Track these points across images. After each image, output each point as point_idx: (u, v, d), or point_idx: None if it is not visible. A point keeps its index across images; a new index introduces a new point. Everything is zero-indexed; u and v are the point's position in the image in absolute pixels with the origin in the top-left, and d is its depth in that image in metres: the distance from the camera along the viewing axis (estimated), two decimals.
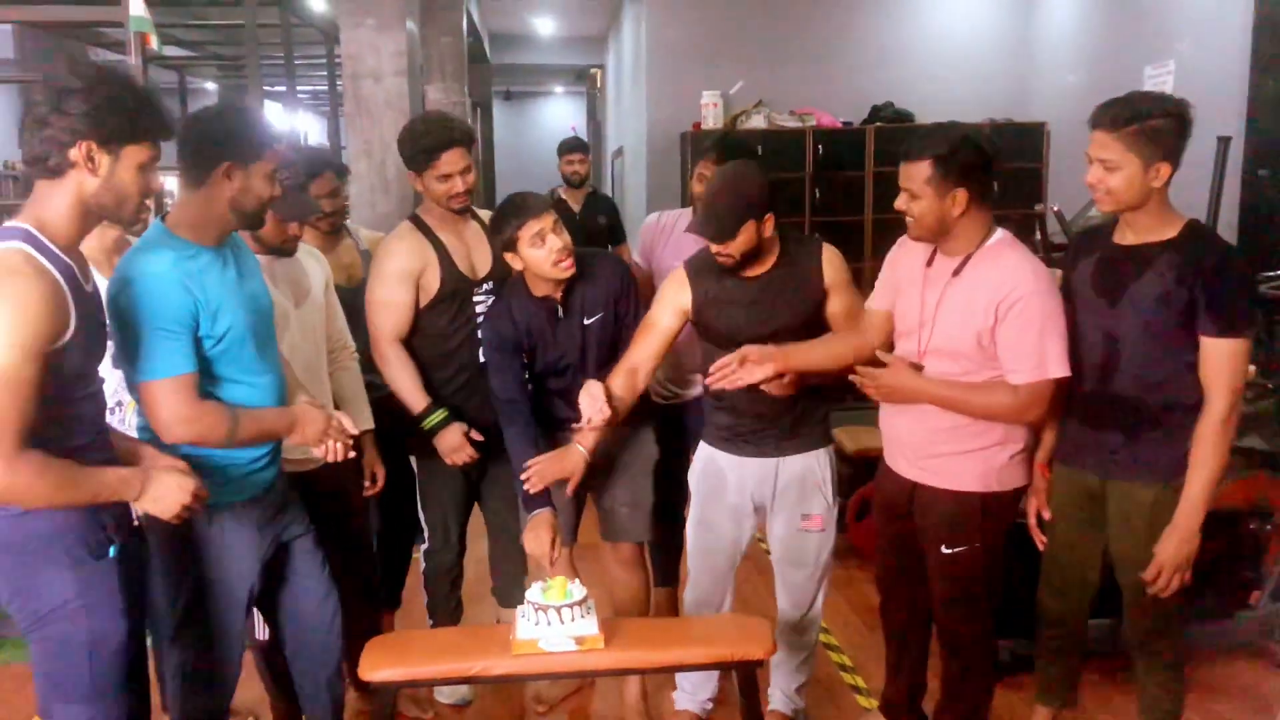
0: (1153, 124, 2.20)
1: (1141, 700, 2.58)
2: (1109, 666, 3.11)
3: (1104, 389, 2.37)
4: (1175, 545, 2.28)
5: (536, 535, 2.67)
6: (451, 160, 2.82)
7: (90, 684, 1.90)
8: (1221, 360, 2.23)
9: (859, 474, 3.88)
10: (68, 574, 1.85)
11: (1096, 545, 2.50)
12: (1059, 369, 2.32)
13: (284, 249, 2.65)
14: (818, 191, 6.74)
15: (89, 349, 1.84)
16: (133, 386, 2.08)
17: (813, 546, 2.79)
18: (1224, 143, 4.01)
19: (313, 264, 2.79)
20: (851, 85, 7.31)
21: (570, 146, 5.60)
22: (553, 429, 2.86)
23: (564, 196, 5.49)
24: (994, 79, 7.47)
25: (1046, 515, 2.57)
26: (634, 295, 2.85)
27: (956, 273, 2.41)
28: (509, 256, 2.70)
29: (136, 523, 2.08)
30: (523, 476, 2.67)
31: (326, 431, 2.25)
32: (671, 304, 2.68)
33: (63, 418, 1.80)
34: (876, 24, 7.52)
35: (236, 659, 2.31)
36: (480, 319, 2.92)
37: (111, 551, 1.90)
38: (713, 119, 6.86)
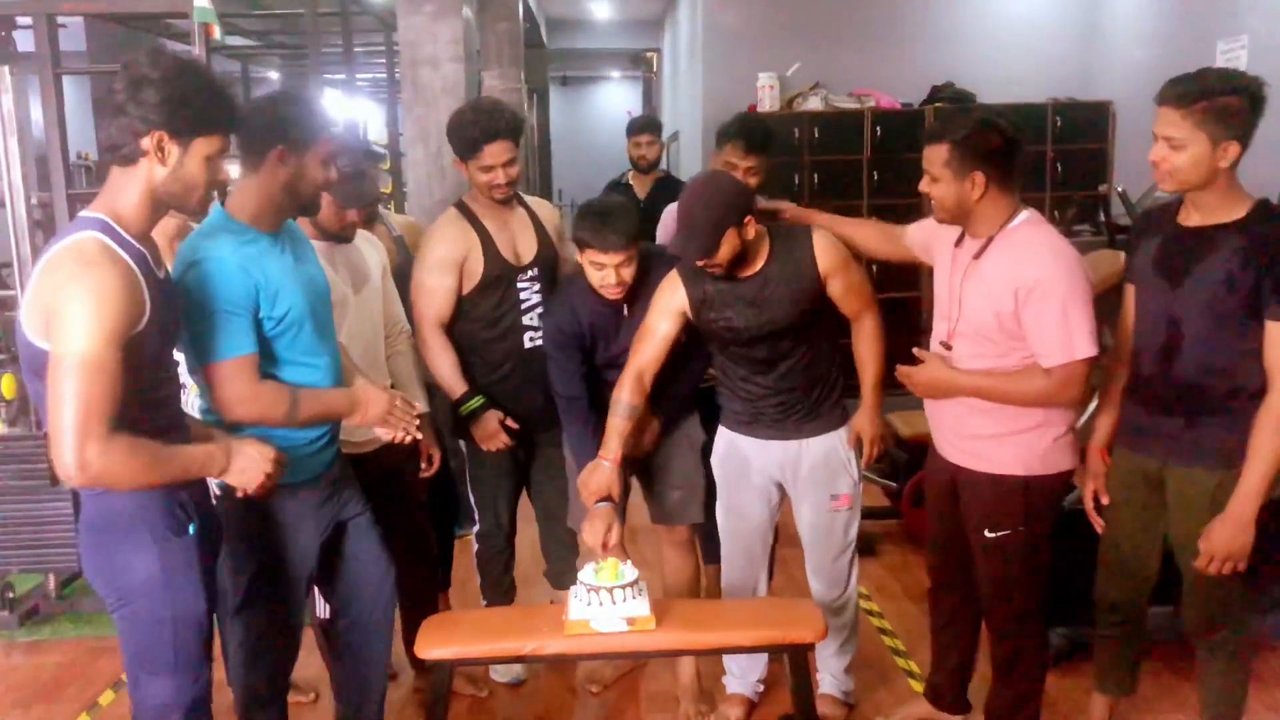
0: (1223, 101, 2.13)
1: (1203, 691, 2.54)
2: (1171, 655, 3.06)
3: (1165, 373, 2.33)
4: (1228, 535, 2.23)
5: (594, 527, 2.68)
6: (495, 152, 2.84)
7: (174, 657, 1.95)
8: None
9: (914, 459, 3.85)
10: (150, 552, 1.90)
11: (1156, 531, 2.46)
12: (1087, 348, 2.31)
13: (343, 235, 2.70)
14: (876, 174, 6.64)
15: (165, 333, 1.89)
16: (194, 369, 2.13)
17: (842, 525, 2.82)
18: None
19: (370, 250, 2.83)
20: (911, 65, 7.19)
21: (639, 126, 4.91)
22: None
23: (631, 182, 4.86)
24: (1058, 57, 7.29)
25: (1104, 500, 2.53)
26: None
27: (977, 256, 2.41)
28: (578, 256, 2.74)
29: (214, 501, 2.15)
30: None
31: (390, 412, 2.29)
32: (667, 309, 2.67)
33: (145, 401, 1.85)
34: (936, 2, 7.39)
35: (297, 635, 2.37)
36: (525, 304, 2.95)
37: (191, 529, 1.95)
38: (769, 101, 6.80)
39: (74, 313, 1.70)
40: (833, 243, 2.64)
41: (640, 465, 2.97)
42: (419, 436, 2.39)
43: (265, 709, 2.34)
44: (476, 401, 2.93)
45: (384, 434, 2.35)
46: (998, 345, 2.40)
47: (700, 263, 2.53)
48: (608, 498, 2.67)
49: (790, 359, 2.66)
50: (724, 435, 2.86)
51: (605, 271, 2.66)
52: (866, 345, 2.75)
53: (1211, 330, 2.25)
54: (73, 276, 1.72)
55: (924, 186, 2.43)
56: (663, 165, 5.20)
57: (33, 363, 1.79)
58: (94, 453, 1.70)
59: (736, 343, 2.65)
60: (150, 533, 1.90)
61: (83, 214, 1.85)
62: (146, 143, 1.80)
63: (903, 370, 2.50)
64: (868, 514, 3.33)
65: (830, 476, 2.77)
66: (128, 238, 1.82)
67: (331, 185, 2.26)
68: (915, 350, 2.49)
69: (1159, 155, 2.22)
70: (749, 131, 3.10)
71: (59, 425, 1.70)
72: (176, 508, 1.94)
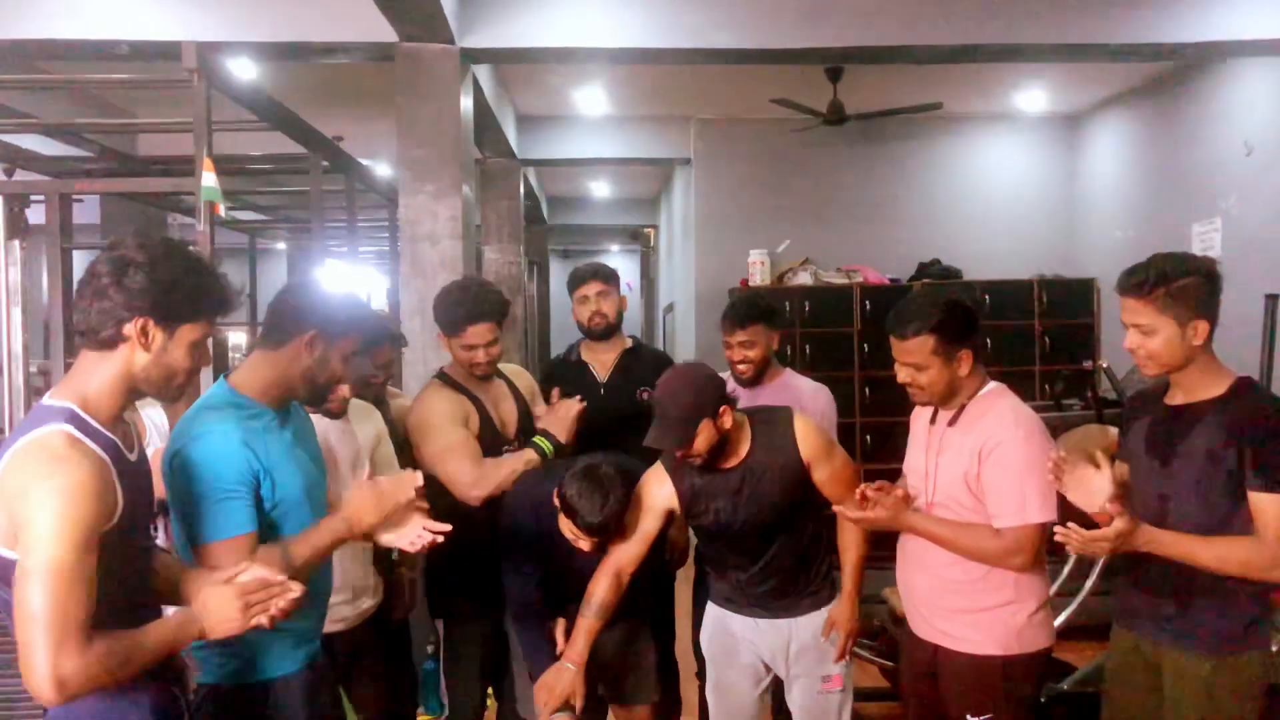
0: (1179, 284, 2.19)
1: None
2: None
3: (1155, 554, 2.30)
4: (1123, 541, 2.16)
5: (552, 683, 2.57)
6: (478, 333, 2.89)
7: None
8: (1273, 517, 2.14)
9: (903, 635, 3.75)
10: None
11: (1158, 715, 2.38)
12: (1041, 514, 2.33)
13: (332, 411, 2.66)
14: (865, 346, 6.77)
15: (138, 519, 1.79)
16: (185, 545, 2.02)
17: (835, 707, 2.73)
18: (1272, 300, 3.98)
19: (363, 423, 2.83)
20: (899, 243, 7.43)
21: (583, 276, 3.35)
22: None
23: (585, 358, 3.40)
24: (1041, 235, 7.55)
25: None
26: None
27: (952, 422, 2.47)
28: None
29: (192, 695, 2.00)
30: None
31: (381, 501, 2.11)
32: (653, 507, 2.64)
33: (119, 587, 1.71)
34: (922, 183, 7.68)
35: None
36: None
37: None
38: (760, 276, 6.99)
39: (41, 519, 1.57)
40: (815, 428, 2.64)
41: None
42: (433, 532, 2.19)
43: None
44: (544, 442, 2.90)
45: (399, 540, 2.18)
46: (969, 513, 2.42)
47: (679, 454, 2.53)
48: (569, 706, 2.55)
49: (778, 543, 2.64)
50: (711, 612, 2.81)
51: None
52: (850, 532, 2.70)
53: (1199, 507, 2.24)
54: (39, 477, 1.59)
55: (905, 378, 2.47)
56: (631, 330, 3.85)
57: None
58: (71, 670, 1.56)
59: (725, 536, 2.63)
60: None
61: (47, 402, 1.73)
62: (129, 328, 1.72)
63: (852, 514, 2.48)
64: (866, 695, 3.23)
65: (820, 658, 2.70)
66: (97, 427, 1.70)
67: (344, 382, 2.24)
68: (863, 488, 2.47)
69: (1134, 343, 2.27)
70: (733, 308, 3.21)
71: (29, 643, 1.56)
72: (168, 704, 1.81)
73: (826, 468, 2.60)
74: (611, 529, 2.53)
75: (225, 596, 1.77)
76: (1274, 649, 2.42)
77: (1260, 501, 2.16)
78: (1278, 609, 2.44)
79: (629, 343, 3.41)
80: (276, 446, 2.07)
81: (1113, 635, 2.49)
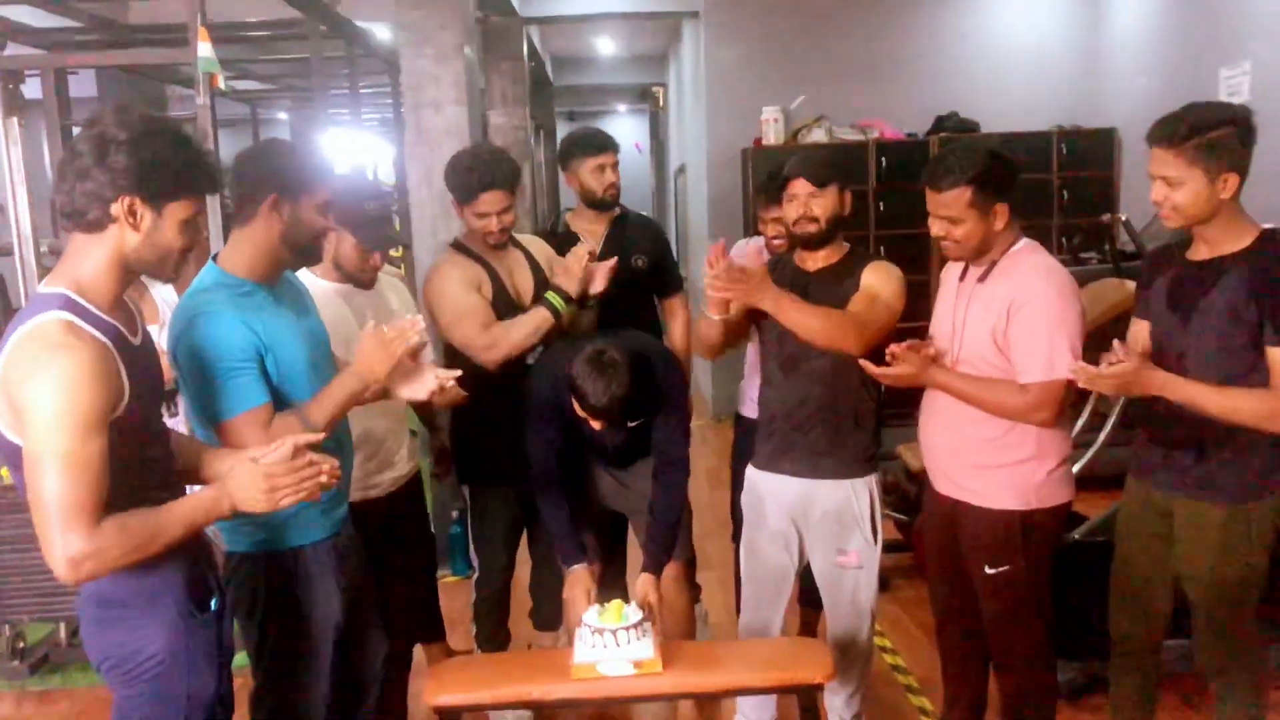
0: (1213, 136, 2.14)
1: None
2: (1187, 688, 3.02)
3: (1174, 406, 2.31)
4: (1134, 379, 2.21)
5: (573, 591, 2.72)
6: (490, 201, 2.87)
7: None
8: None
9: (924, 492, 3.82)
10: (173, 628, 1.80)
11: (1167, 563, 2.44)
12: (1067, 370, 2.31)
13: (362, 279, 2.67)
14: (881, 205, 6.67)
15: (149, 403, 1.79)
16: (203, 425, 2.06)
17: (850, 585, 2.75)
18: None
19: (391, 294, 2.83)
20: (914, 96, 7.23)
21: (601, 144, 3.26)
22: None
23: (572, 227, 3.34)
24: (1061, 85, 7.31)
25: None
26: (679, 405, 2.83)
27: (982, 279, 2.44)
28: None
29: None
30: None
31: (388, 348, 2.13)
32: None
33: (135, 471, 1.73)
34: (938, 34, 7.42)
35: (323, 700, 2.23)
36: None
37: (214, 604, 1.87)
38: (774, 134, 6.83)
39: (45, 407, 1.56)
40: (886, 272, 2.61)
41: (628, 505, 2.97)
42: (445, 380, 2.25)
43: None
44: (555, 298, 2.88)
45: (416, 392, 2.24)
46: (997, 368, 2.41)
47: (801, 210, 2.59)
48: (585, 556, 2.76)
49: (814, 359, 2.60)
50: (749, 475, 2.85)
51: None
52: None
53: (1219, 362, 2.24)
54: (39, 366, 1.57)
55: (939, 231, 2.42)
56: (643, 193, 3.85)
57: (8, 457, 1.67)
58: (82, 552, 1.58)
59: (784, 351, 2.66)
60: (176, 608, 1.79)
61: (42, 290, 1.69)
62: (116, 208, 1.67)
63: (877, 369, 2.46)
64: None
65: (841, 530, 2.71)
66: (96, 312, 1.67)
67: (327, 232, 2.21)
68: (892, 348, 2.45)
69: (1160, 195, 2.22)
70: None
71: (42, 528, 1.59)
72: (200, 582, 1.85)
73: (862, 297, 2.57)
74: (615, 413, 2.54)
75: (253, 476, 1.75)
76: None
77: (1276, 355, 2.15)
78: None
79: (616, 211, 3.34)
80: (274, 321, 2.07)
81: (1127, 486, 2.52)
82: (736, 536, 3.12)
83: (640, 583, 2.76)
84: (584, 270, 2.89)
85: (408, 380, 2.24)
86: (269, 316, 2.07)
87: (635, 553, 2.98)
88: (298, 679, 2.16)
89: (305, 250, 2.17)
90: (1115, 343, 2.27)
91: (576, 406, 2.59)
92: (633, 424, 2.69)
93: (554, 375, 2.71)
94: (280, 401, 2.08)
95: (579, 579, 2.73)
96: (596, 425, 2.60)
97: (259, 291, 2.09)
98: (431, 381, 2.25)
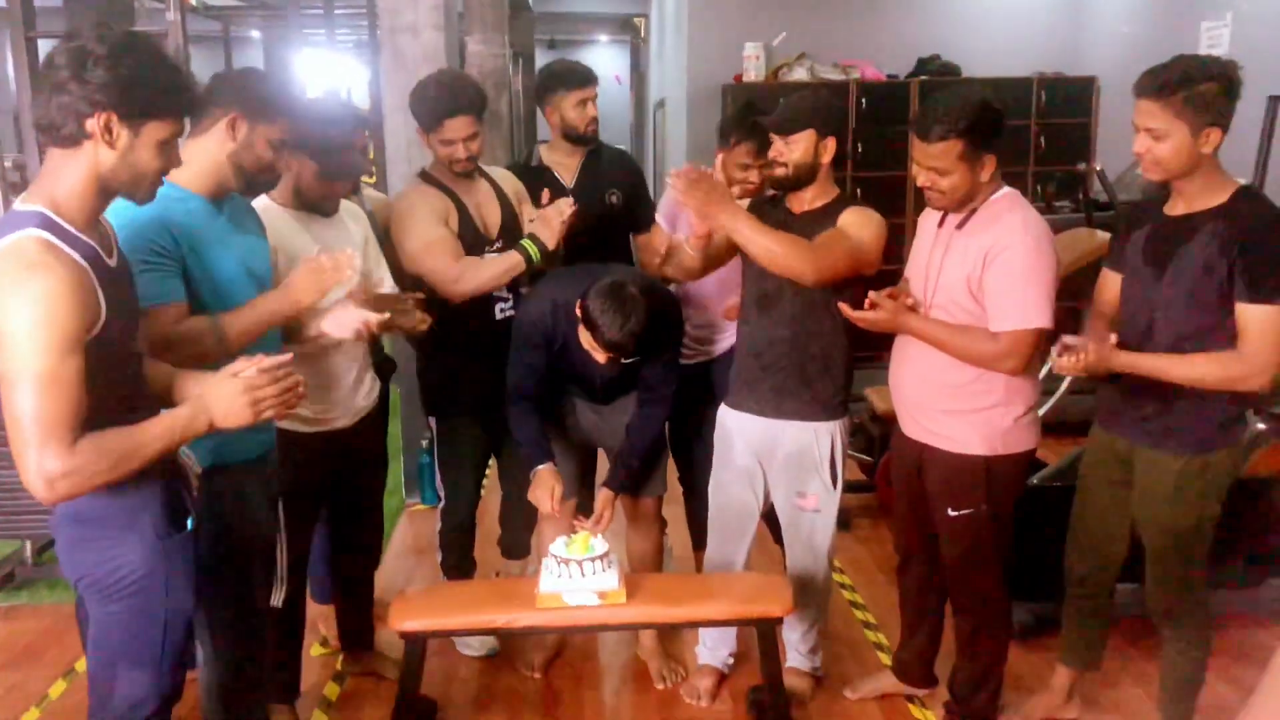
0: (1200, 89, 2.14)
1: (1164, 666, 2.59)
2: (1135, 631, 3.11)
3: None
4: (1096, 358, 2.26)
5: (537, 491, 2.75)
6: (456, 127, 2.83)
7: (160, 653, 1.87)
8: (1259, 329, 2.17)
9: (888, 433, 3.87)
10: (150, 546, 1.81)
11: (1125, 509, 2.50)
12: (1040, 319, 2.35)
13: (323, 208, 2.64)
14: (860, 146, 6.64)
15: (126, 324, 1.77)
16: None
17: (806, 526, 2.80)
18: (1275, 101, 3.90)
19: (352, 222, 2.80)
20: (897, 37, 7.16)
21: (583, 77, 3.17)
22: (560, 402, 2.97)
23: (546, 160, 3.25)
24: (1043, 31, 7.27)
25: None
26: (675, 344, 2.85)
27: (960, 225, 2.45)
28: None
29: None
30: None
31: (321, 278, 2.17)
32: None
33: (111, 391, 1.71)
34: None
35: (262, 619, 2.34)
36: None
37: (189, 524, 1.88)
38: (754, 71, 6.76)
39: (20, 325, 1.55)
40: (864, 215, 2.60)
41: (604, 440, 3.00)
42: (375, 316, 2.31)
43: (237, 699, 2.27)
44: (530, 246, 2.86)
45: (339, 329, 2.30)
46: (969, 315, 2.44)
47: (772, 153, 2.62)
48: (550, 457, 2.79)
49: (788, 299, 2.62)
50: (720, 412, 2.88)
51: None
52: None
53: (1188, 315, 2.27)
54: (15, 283, 1.56)
55: (926, 181, 2.41)
56: (622, 126, 3.74)
57: None
58: (58, 470, 1.58)
59: (763, 288, 2.67)
60: (153, 527, 1.80)
61: (17, 206, 1.66)
62: (92, 124, 1.64)
63: (853, 313, 2.48)
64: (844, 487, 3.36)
65: (801, 472, 2.75)
66: (73, 231, 1.65)
67: (274, 166, 2.20)
68: (871, 294, 2.48)
69: (1142, 146, 2.23)
70: (759, 130, 2.90)
71: (17, 446, 1.58)
72: (175, 501, 1.86)
73: (844, 229, 2.56)
74: (629, 348, 2.55)
75: (233, 390, 1.75)
76: (1246, 437, 2.50)
77: (1244, 312, 2.18)
78: (1251, 408, 2.51)
79: (590, 144, 3.25)
80: (206, 227, 2.09)
81: (1092, 432, 2.57)
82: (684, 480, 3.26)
83: (600, 496, 2.82)
84: (563, 223, 2.85)
85: (334, 318, 2.29)
86: (198, 221, 2.08)
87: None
88: (233, 590, 2.21)
89: (250, 178, 2.17)
90: (1066, 337, 2.30)
91: (585, 337, 2.59)
92: (629, 360, 2.69)
93: (552, 302, 2.72)
94: (213, 307, 2.10)
95: (543, 479, 2.75)
96: (601, 358, 2.60)
97: (194, 200, 2.09)
98: (355, 321, 2.29)
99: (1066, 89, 6.84)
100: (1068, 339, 2.30)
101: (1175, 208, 2.32)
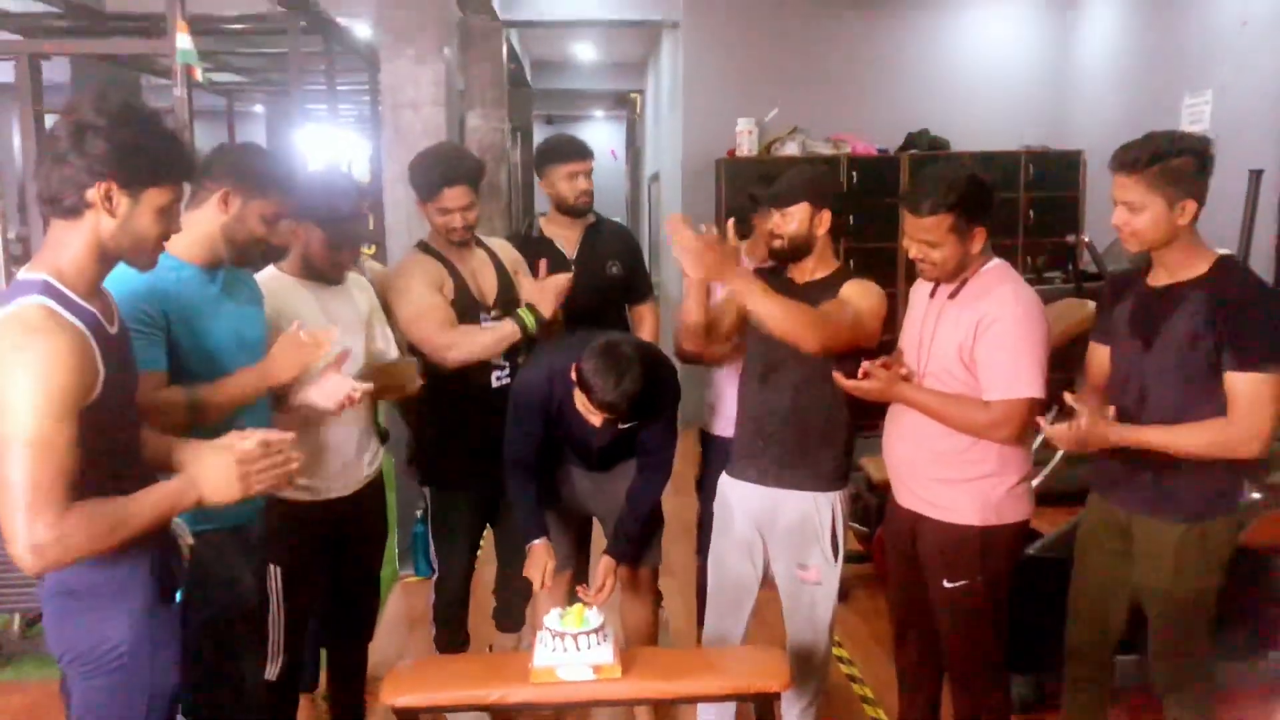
0: (1174, 163, 2.20)
1: None
2: (1138, 704, 3.07)
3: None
4: (1089, 436, 2.27)
5: (530, 568, 2.78)
6: (453, 196, 2.88)
7: None
8: (1248, 397, 2.18)
9: (885, 504, 3.86)
10: (138, 619, 1.79)
11: (1125, 579, 2.49)
12: (1031, 389, 2.37)
13: (331, 276, 2.67)
14: (852, 219, 6.72)
15: (123, 392, 1.78)
16: None
17: (807, 599, 2.78)
18: (1256, 176, 3.97)
19: (358, 292, 2.83)
20: (887, 112, 7.31)
21: (577, 151, 3.30)
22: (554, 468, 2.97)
23: (546, 232, 3.37)
24: (1030, 106, 7.43)
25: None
26: (672, 409, 2.86)
27: (953, 295, 2.48)
28: None
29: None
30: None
31: (300, 353, 2.18)
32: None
33: (104, 460, 1.71)
34: (913, 51, 7.50)
35: (247, 693, 2.29)
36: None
37: (178, 596, 1.86)
38: (748, 145, 6.89)
39: (18, 390, 1.56)
40: (863, 287, 2.63)
41: (600, 508, 2.99)
42: (353, 392, 2.34)
43: None
44: (527, 315, 2.91)
45: (324, 399, 2.31)
46: (963, 384, 2.45)
47: (771, 224, 2.66)
48: (545, 533, 2.82)
49: (788, 370, 2.64)
50: (720, 483, 2.88)
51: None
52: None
53: (1179, 386, 2.29)
54: (15, 348, 1.57)
55: (917, 254, 2.46)
56: (617, 199, 4.00)
57: None
58: (48, 538, 1.56)
59: (767, 355, 2.68)
60: (141, 599, 1.78)
61: (22, 276, 1.70)
62: (92, 194, 1.67)
63: (848, 383, 2.49)
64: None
65: (803, 542, 2.74)
66: (75, 298, 1.68)
67: (266, 242, 2.25)
68: (865, 364, 2.49)
69: (1120, 220, 2.28)
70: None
71: (6, 514, 1.57)
72: (164, 572, 1.83)
73: (844, 301, 2.58)
74: (623, 409, 2.55)
75: (224, 463, 1.75)
76: (1241, 506, 2.50)
77: (1233, 381, 2.20)
78: (1248, 475, 2.52)
79: (591, 218, 3.37)
80: (197, 295, 2.13)
81: (1089, 501, 2.57)
82: (701, 551, 3.17)
83: (601, 565, 2.81)
84: (560, 296, 2.92)
85: (320, 388, 2.32)
86: (189, 289, 2.12)
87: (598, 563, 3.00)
88: (220, 665, 2.17)
89: (241, 250, 2.22)
90: (1069, 396, 2.32)
91: (580, 400, 2.59)
92: (626, 425, 2.70)
93: (550, 368, 2.73)
94: (203, 375, 2.12)
95: (537, 555, 2.78)
96: (596, 421, 2.61)
97: (187, 269, 2.14)
98: (340, 393, 2.32)
99: (1054, 162, 6.97)
100: (1069, 397, 2.30)
101: (1158, 278, 2.35)
